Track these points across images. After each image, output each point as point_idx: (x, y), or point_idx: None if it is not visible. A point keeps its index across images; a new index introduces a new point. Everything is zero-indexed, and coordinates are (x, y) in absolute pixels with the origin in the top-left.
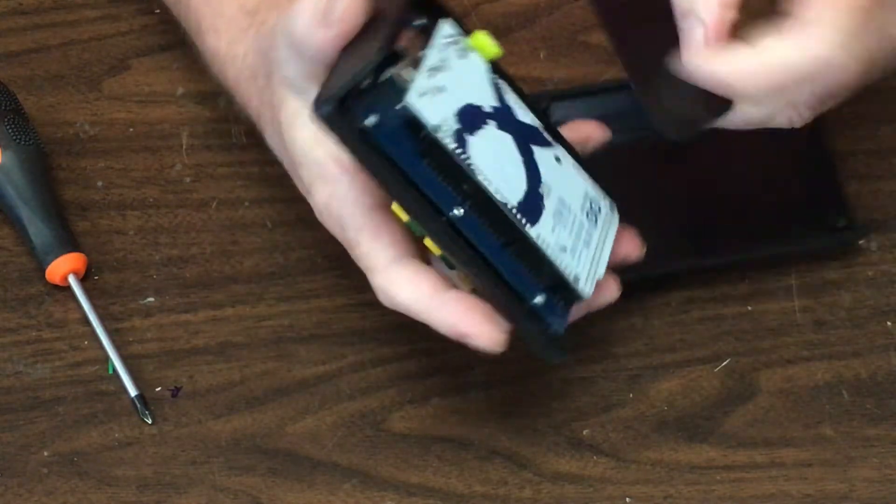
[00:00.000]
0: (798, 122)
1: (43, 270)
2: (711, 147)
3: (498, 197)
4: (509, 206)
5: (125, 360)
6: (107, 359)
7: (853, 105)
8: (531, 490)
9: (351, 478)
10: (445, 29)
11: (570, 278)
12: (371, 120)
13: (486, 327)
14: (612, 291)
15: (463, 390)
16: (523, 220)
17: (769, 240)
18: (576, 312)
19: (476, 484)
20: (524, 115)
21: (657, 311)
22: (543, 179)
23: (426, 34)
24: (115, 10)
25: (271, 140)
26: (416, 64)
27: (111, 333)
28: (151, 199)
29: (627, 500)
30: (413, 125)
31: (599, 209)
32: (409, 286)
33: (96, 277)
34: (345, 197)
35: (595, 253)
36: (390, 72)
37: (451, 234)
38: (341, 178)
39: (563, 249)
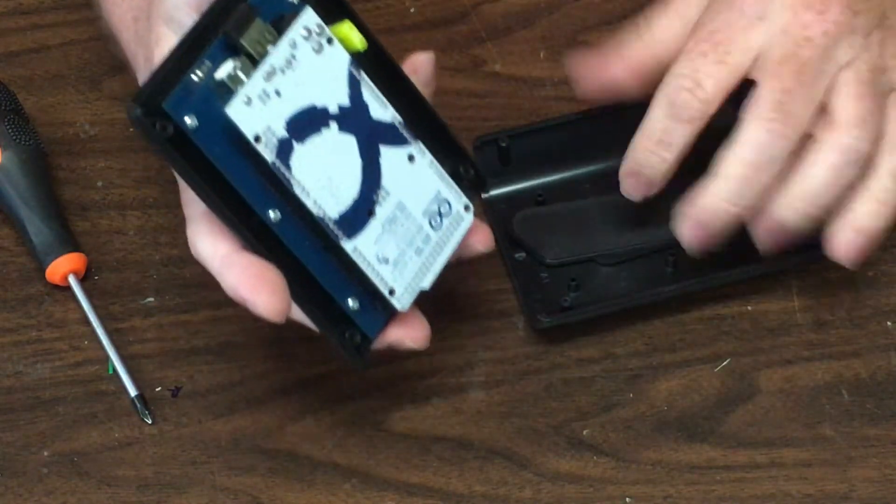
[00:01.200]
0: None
1: (43, 270)
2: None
3: (314, 210)
4: (325, 220)
5: (125, 360)
6: (107, 359)
7: None
8: (531, 490)
9: (351, 478)
10: (305, 19)
11: (385, 291)
12: (190, 122)
13: (267, 296)
14: (418, 330)
15: (463, 390)
16: (339, 233)
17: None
18: (393, 334)
19: (476, 484)
20: (382, 110)
21: (657, 311)
22: (383, 183)
23: (285, 23)
24: None
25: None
26: (256, 61)
27: (111, 333)
28: (151, 199)
29: (627, 500)
30: (232, 131)
31: (449, 210)
32: (208, 241)
33: (96, 277)
34: None
35: (426, 261)
36: (226, 68)
37: (263, 236)
38: None
39: (384, 261)
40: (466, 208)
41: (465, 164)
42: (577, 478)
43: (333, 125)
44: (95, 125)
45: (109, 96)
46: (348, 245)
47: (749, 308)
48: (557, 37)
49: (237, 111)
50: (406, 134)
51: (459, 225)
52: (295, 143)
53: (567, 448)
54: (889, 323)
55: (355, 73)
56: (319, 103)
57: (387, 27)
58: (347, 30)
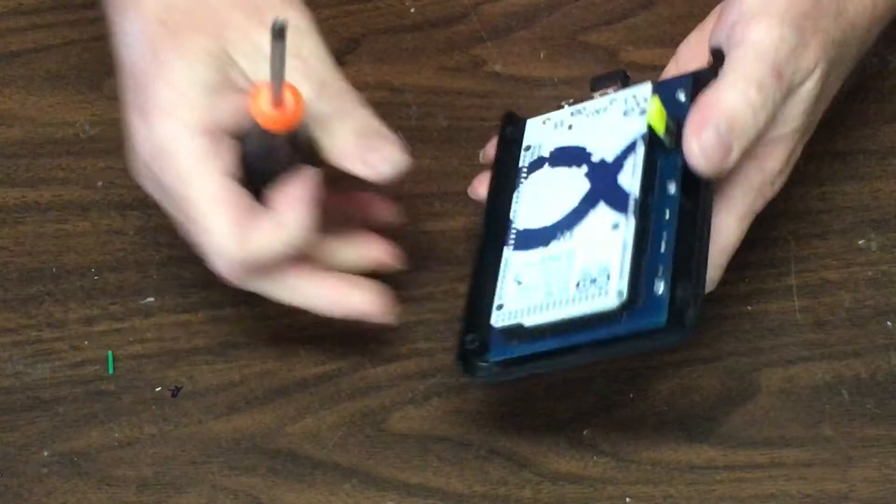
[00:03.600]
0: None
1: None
2: None
3: (511, 214)
4: (511, 226)
5: (125, 359)
6: (107, 359)
7: (853, 105)
8: (531, 490)
9: (351, 478)
10: (641, 90)
11: (495, 304)
12: None
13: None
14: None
15: (463, 390)
16: (510, 241)
17: None
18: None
19: (476, 484)
20: (629, 180)
21: None
22: (575, 229)
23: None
24: None
25: (132, 33)
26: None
27: (111, 333)
28: (151, 199)
29: (627, 500)
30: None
31: (603, 284)
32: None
33: (96, 277)
34: (203, 154)
35: (545, 305)
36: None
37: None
38: (206, 134)
39: (517, 282)
40: (619, 294)
41: (685, 291)
42: (577, 478)
43: (584, 167)
44: (95, 125)
45: (109, 96)
46: (506, 253)
47: (749, 308)
48: (557, 37)
49: (533, 123)
50: (631, 207)
51: (596, 299)
52: (546, 165)
53: (567, 448)
54: (889, 323)
55: (639, 143)
56: (590, 149)
57: (387, 27)
58: (659, 112)
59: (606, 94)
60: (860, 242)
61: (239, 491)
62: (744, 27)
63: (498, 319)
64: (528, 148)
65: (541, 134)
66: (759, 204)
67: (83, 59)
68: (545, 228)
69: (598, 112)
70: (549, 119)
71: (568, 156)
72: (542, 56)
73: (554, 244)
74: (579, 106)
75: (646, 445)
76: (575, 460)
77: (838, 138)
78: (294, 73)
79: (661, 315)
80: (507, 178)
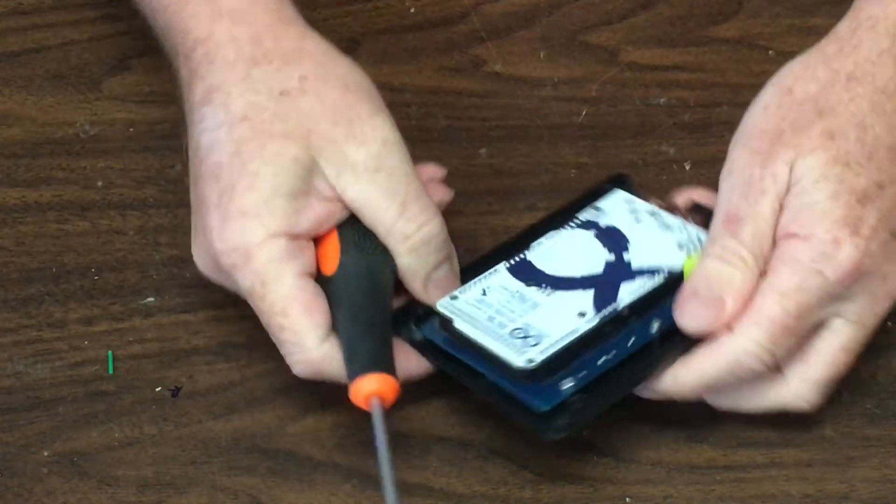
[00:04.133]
0: (811, 399)
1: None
2: None
3: (532, 244)
4: (525, 252)
5: (125, 359)
6: (107, 359)
7: None
8: (531, 490)
9: (351, 478)
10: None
11: (456, 292)
12: None
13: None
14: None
15: (463, 390)
16: (512, 261)
17: None
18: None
19: (476, 484)
20: (630, 294)
21: None
22: (555, 293)
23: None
24: (115, 10)
25: (213, 128)
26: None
27: (111, 333)
28: (151, 199)
29: (627, 500)
30: None
31: (520, 339)
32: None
33: (96, 277)
34: (281, 254)
35: (477, 321)
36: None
37: None
38: (283, 236)
39: (483, 291)
40: (529, 361)
41: (580, 405)
42: (577, 478)
43: (612, 255)
44: (95, 125)
45: (109, 96)
46: (500, 267)
47: None
48: (557, 37)
49: (620, 196)
50: (608, 311)
51: (512, 350)
52: (593, 231)
53: (567, 448)
54: (889, 323)
55: (663, 273)
56: (631, 245)
57: (387, 27)
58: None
59: (686, 220)
60: None
61: (239, 491)
62: None
63: (443, 304)
64: (597, 209)
65: (615, 207)
66: (816, 282)
67: (83, 59)
68: (541, 273)
69: (665, 227)
70: (633, 202)
71: (612, 238)
72: (542, 56)
73: (534, 289)
74: (662, 212)
75: (646, 445)
76: (575, 460)
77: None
78: (380, 187)
79: (545, 404)
80: (562, 217)
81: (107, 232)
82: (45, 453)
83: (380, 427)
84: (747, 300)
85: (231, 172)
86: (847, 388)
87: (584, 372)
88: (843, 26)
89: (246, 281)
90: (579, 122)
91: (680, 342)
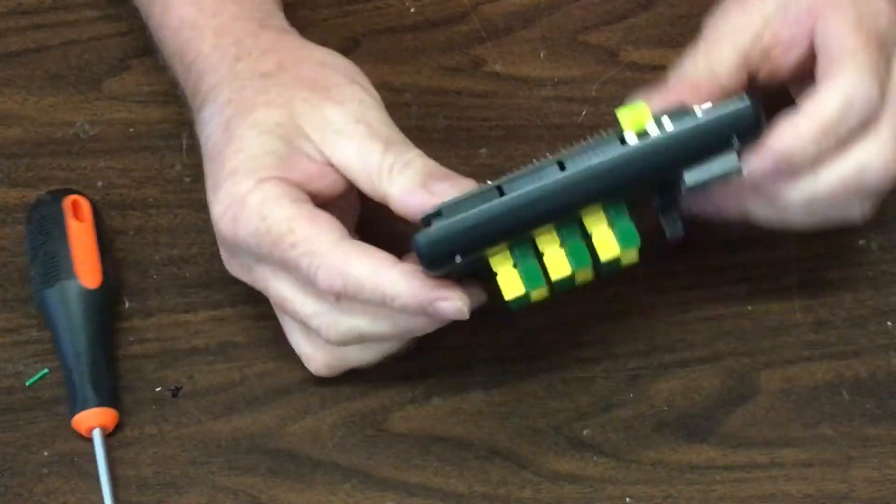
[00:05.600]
0: (892, 157)
1: (70, 416)
2: None
3: None
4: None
5: (125, 359)
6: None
7: None
8: (531, 490)
9: (351, 478)
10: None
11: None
12: None
13: (455, 292)
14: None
15: (463, 390)
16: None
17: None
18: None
19: (476, 484)
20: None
21: (657, 311)
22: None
23: None
24: (115, 10)
25: (209, 121)
26: None
27: (114, 334)
28: (151, 199)
29: (627, 500)
30: None
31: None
32: (365, 257)
33: None
34: (274, 191)
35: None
36: None
37: None
38: (272, 178)
39: None
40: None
41: None
42: (577, 478)
43: None
44: (95, 125)
45: (109, 96)
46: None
47: (749, 308)
48: (557, 37)
49: None
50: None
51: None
52: None
53: (567, 448)
54: (889, 323)
55: None
56: None
57: (387, 27)
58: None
59: None
60: (860, 242)
61: (239, 491)
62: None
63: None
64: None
65: None
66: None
67: (83, 59)
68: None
69: None
70: None
71: None
72: (542, 56)
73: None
74: None
75: (646, 445)
76: (575, 460)
77: None
78: (363, 135)
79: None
80: None
81: (107, 232)
82: (45, 453)
83: (101, 456)
84: None
85: (219, 146)
86: (847, 388)
87: None
88: None
89: (249, 226)
90: (579, 122)
91: None
